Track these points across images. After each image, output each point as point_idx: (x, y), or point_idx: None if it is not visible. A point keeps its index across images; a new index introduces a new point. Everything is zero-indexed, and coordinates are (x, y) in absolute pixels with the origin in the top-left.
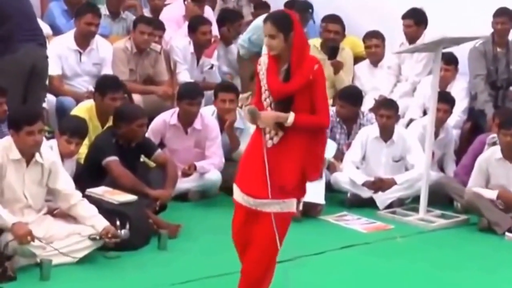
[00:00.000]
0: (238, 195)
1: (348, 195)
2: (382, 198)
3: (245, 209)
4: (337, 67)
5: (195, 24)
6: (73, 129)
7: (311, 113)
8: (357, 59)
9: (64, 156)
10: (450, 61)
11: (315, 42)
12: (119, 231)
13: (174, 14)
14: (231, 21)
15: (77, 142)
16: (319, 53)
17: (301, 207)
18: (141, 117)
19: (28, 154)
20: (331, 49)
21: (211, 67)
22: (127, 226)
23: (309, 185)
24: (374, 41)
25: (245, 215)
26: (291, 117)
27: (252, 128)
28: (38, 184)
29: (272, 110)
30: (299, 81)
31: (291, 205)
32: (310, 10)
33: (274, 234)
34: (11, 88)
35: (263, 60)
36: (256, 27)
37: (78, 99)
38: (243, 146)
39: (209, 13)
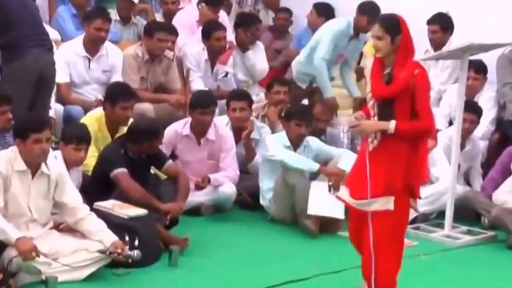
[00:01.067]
0: (346, 197)
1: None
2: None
3: (353, 210)
4: (360, 74)
5: (209, 30)
6: (80, 136)
7: (412, 116)
8: None
9: (73, 164)
10: (479, 69)
11: None
12: (131, 252)
13: (188, 19)
14: (247, 25)
15: (85, 149)
16: None
17: (378, 206)
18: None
19: (34, 164)
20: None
21: (226, 75)
22: (136, 242)
23: (327, 200)
24: None
25: (354, 216)
26: (392, 125)
27: (268, 139)
28: (44, 197)
29: (374, 112)
30: (399, 85)
31: (387, 203)
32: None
33: (376, 232)
34: (18, 95)
35: (367, 63)
36: (336, 34)
37: (87, 108)
38: (258, 158)
39: (224, 18)
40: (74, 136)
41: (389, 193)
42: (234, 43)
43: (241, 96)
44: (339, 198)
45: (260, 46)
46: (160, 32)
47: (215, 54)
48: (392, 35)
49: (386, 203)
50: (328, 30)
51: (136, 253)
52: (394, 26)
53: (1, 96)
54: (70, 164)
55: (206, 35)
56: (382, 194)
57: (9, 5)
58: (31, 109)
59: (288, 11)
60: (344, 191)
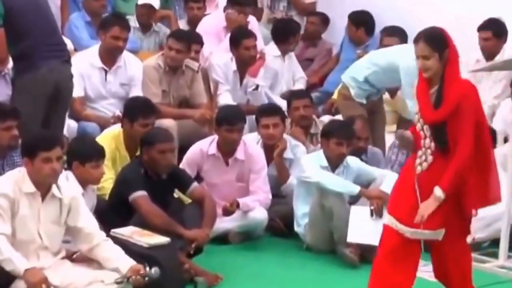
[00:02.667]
0: (390, 221)
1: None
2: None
3: (396, 235)
4: (391, 90)
5: (238, 37)
6: (98, 151)
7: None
8: None
9: (92, 182)
10: None
11: None
12: (149, 270)
13: (214, 25)
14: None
15: (102, 163)
16: None
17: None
18: (163, 141)
19: (44, 186)
20: None
21: (256, 88)
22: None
23: (368, 226)
24: None
25: (396, 241)
26: (439, 193)
27: (303, 159)
28: (55, 222)
29: (426, 134)
30: (449, 108)
31: (439, 234)
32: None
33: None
34: (31, 111)
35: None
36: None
37: (103, 125)
38: (293, 180)
39: (254, 25)
40: (92, 152)
41: (444, 225)
42: (265, 51)
43: (272, 111)
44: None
45: (292, 53)
46: (171, 39)
47: (245, 64)
48: (440, 51)
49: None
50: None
51: (154, 270)
52: (441, 41)
53: (5, 109)
54: (88, 183)
55: (234, 44)
56: (438, 226)
57: (22, 11)
58: (45, 126)
59: (320, 15)
60: (389, 218)
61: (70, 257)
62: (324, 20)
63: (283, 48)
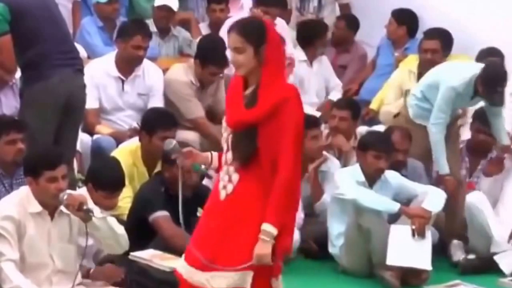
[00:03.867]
0: (181, 266)
1: (461, 257)
2: (509, 260)
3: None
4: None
5: None
6: (114, 183)
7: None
8: None
9: (103, 210)
10: None
11: (411, 66)
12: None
13: None
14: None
15: (119, 193)
16: (416, 81)
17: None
18: None
19: (51, 204)
20: (421, 76)
21: None
22: None
23: (410, 247)
24: None
25: None
26: (268, 228)
27: (338, 174)
28: (67, 240)
29: (228, 146)
30: (263, 109)
31: (244, 281)
32: None
33: None
34: (41, 124)
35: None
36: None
37: (119, 138)
38: (327, 196)
39: (282, 28)
40: (107, 183)
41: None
42: (294, 57)
43: (314, 122)
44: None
45: (324, 58)
46: (212, 66)
47: None
48: (256, 46)
49: (241, 281)
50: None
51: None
52: (258, 33)
53: (9, 121)
54: (99, 207)
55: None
56: (235, 265)
57: (30, 15)
58: (56, 141)
59: (346, 19)
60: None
61: (87, 274)
62: (352, 24)
63: (310, 53)
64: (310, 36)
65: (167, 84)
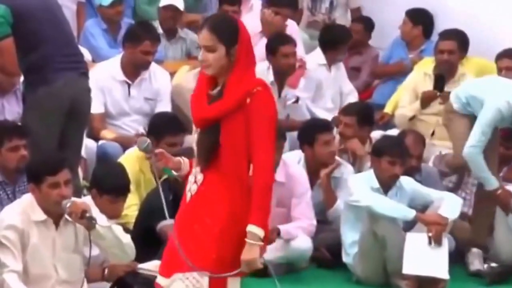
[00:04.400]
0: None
1: (484, 266)
2: None
3: None
4: (447, 102)
5: (275, 43)
6: (118, 187)
7: (245, 152)
8: None
9: (108, 218)
10: None
11: (427, 68)
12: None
13: (248, 29)
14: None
15: (124, 199)
16: (432, 84)
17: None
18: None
19: (55, 212)
20: (437, 79)
21: (296, 101)
22: None
23: (426, 255)
24: (506, 62)
25: None
26: (254, 230)
27: (351, 180)
28: (73, 250)
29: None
30: (228, 102)
31: (197, 282)
32: None
33: None
34: (45, 129)
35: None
36: None
37: (126, 144)
38: (340, 203)
39: (294, 29)
40: (111, 186)
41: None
42: (305, 59)
43: (326, 126)
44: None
45: (341, 63)
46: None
47: (283, 74)
48: (228, 45)
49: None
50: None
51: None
52: (231, 32)
53: (9, 127)
54: (104, 215)
55: (271, 51)
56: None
57: (33, 17)
58: (60, 147)
59: (364, 22)
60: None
61: (102, 273)
62: (369, 26)
63: (330, 57)
64: (335, 41)
65: (175, 89)
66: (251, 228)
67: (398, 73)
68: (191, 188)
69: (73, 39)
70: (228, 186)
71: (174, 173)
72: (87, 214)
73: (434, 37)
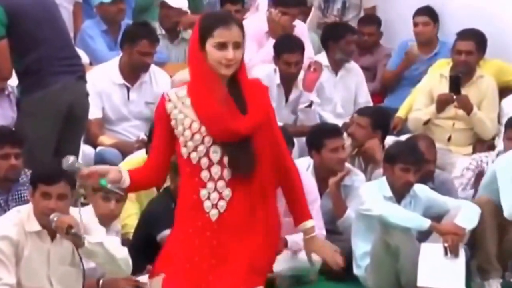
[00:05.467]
0: None
1: (505, 275)
2: None
3: None
4: (464, 105)
5: (280, 49)
6: None
7: (272, 157)
8: (505, 91)
9: (104, 221)
10: None
11: (443, 70)
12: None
13: (254, 30)
14: (333, 38)
15: (118, 199)
16: (448, 86)
17: None
18: None
19: (48, 224)
20: (452, 80)
21: (310, 105)
22: None
23: (442, 267)
24: None
25: None
26: (312, 223)
27: (363, 188)
28: (69, 263)
29: (213, 160)
30: (261, 112)
31: None
32: None
33: None
34: (40, 135)
35: (176, 94)
36: None
37: (125, 150)
38: (351, 212)
39: (302, 31)
40: None
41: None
42: (320, 62)
43: (335, 132)
44: None
45: (355, 69)
46: None
47: (289, 79)
48: (244, 39)
49: None
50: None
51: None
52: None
53: (4, 134)
54: (101, 220)
55: (276, 54)
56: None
57: (28, 18)
58: (56, 154)
59: (373, 23)
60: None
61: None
62: (380, 26)
63: (329, 58)
64: (327, 39)
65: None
66: (311, 223)
67: (408, 65)
68: (217, 204)
69: (70, 41)
70: (253, 200)
71: (112, 186)
72: (73, 231)
73: (446, 37)
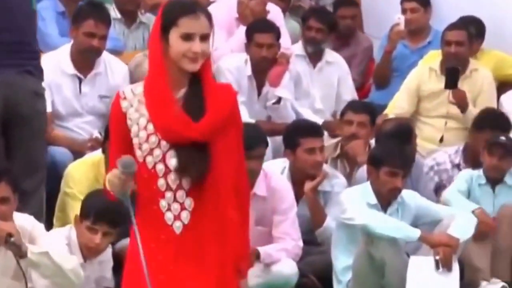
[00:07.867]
0: None
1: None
2: None
3: None
4: (461, 101)
5: (251, 30)
6: (99, 210)
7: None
8: (505, 86)
9: (87, 253)
10: None
11: (433, 62)
12: None
13: (223, 15)
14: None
15: (105, 232)
16: (438, 80)
17: None
18: None
19: None
20: (448, 72)
21: (278, 101)
22: None
23: (433, 281)
24: None
25: None
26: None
27: (344, 194)
28: (12, 276)
29: (166, 167)
30: (220, 116)
31: None
32: None
33: None
34: None
35: (132, 91)
36: None
37: (77, 150)
38: (331, 221)
39: (277, 16)
40: (92, 208)
41: None
42: (289, 53)
43: (312, 130)
44: None
45: (338, 60)
46: None
47: (262, 68)
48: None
49: None
50: None
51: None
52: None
53: None
54: (84, 251)
55: (248, 38)
56: None
57: None
58: (8, 158)
59: (354, 5)
60: None
61: None
62: (357, 11)
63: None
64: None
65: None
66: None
67: (393, 44)
68: (179, 216)
69: (20, 25)
70: (218, 213)
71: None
72: (12, 239)
73: (439, 25)
